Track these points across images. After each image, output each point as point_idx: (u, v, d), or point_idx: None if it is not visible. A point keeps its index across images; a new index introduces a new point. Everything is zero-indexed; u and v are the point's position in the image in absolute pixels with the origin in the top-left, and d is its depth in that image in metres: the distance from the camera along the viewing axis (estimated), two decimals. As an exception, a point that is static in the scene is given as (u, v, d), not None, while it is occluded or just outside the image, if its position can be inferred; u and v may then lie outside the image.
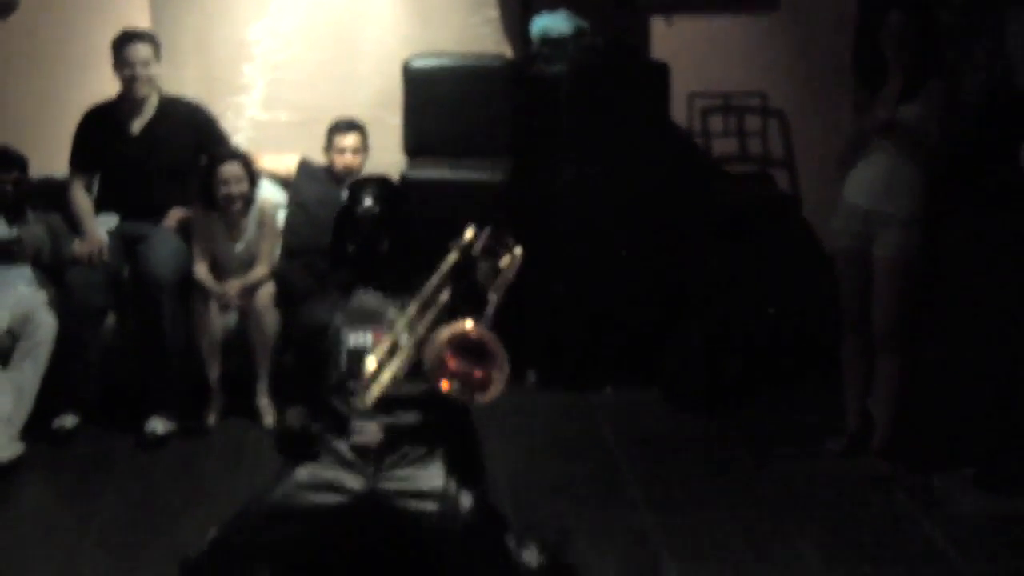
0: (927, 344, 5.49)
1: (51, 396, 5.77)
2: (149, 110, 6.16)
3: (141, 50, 6.06)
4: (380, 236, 4.15)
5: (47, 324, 5.77)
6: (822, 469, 5.45)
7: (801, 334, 6.46)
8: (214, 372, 6.00)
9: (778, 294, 6.59)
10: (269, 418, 5.95)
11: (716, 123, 7.05)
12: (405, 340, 3.81)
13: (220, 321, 5.94)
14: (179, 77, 6.55)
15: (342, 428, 3.92)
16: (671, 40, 6.82)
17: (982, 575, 4.55)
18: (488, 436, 5.56)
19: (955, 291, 5.58)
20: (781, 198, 7.00)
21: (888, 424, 5.35)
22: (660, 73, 6.43)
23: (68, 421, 5.86)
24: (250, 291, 5.95)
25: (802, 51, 6.99)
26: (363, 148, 6.35)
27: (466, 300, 3.84)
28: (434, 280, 3.91)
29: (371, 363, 3.75)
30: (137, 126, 6.14)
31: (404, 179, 6.31)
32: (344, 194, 6.23)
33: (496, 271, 4.01)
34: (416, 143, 6.49)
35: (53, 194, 6.23)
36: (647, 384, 6.36)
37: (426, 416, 3.88)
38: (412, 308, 3.85)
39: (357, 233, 4.16)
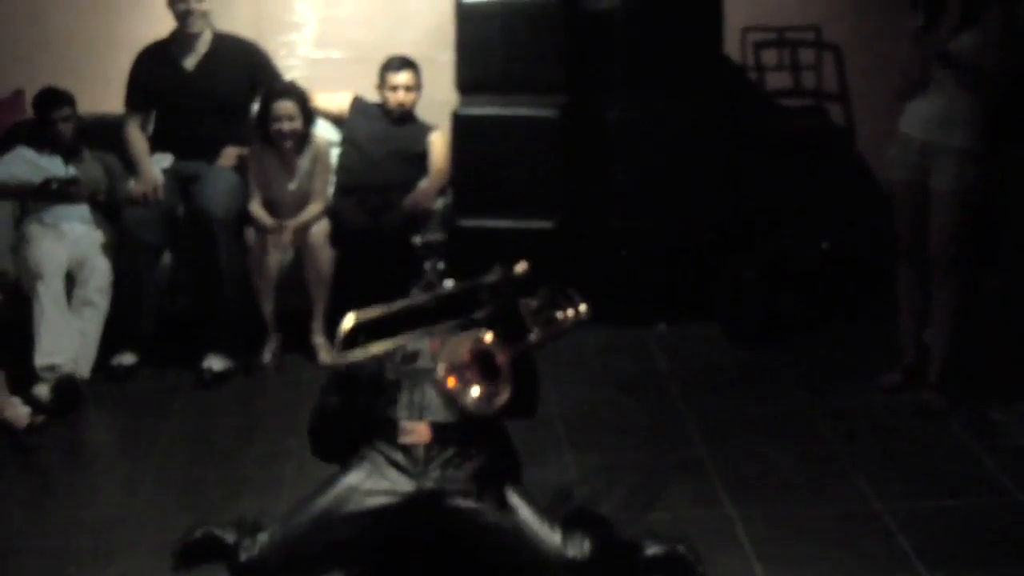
0: (983, 275, 5.46)
1: (109, 334, 5.85)
2: (203, 46, 6.16)
3: (194, -17, 6.07)
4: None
5: (102, 269, 5.84)
6: (877, 402, 5.43)
7: (856, 267, 6.43)
8: (269, 309, 6.04)
9: (832, 227, 6.55)
10: (324, 355, 5.99)
11: (769, 57, 6.99)
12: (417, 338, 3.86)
13: (275, 258, 5.97)
14: (231, 16, 6.55)
15: (390, 432, 3.95)
16: (724, -27, 6.75)
17: (1040, 507, 4.54)
18: (542, 371, 5.60)
19: (1012, 221, 5.53)
20: (835, 131, 6.94)
21: (944, 356, 5.31)
22: (713, 7, 6.37)
23: (127, 359, 5.93)
24: (305, 227, 5.97)
25: (857, -18, 6.93)
26: (416, 86, 6.35)
27: (503, 323, 3.82)
28: (464, 285, 3.91)
29: (349, 320, 3.74)
30: (191, 62, 6.16)
31: (457, 116, 6.30)
32: (398, 132, 6.29)
33: (551, 319, 3.97)
34: (469, 80, 6.46)
35: (108, 133, 6.26)
36: (701, 319, 6.35)
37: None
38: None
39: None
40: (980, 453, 4.93)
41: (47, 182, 5.87)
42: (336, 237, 6.02)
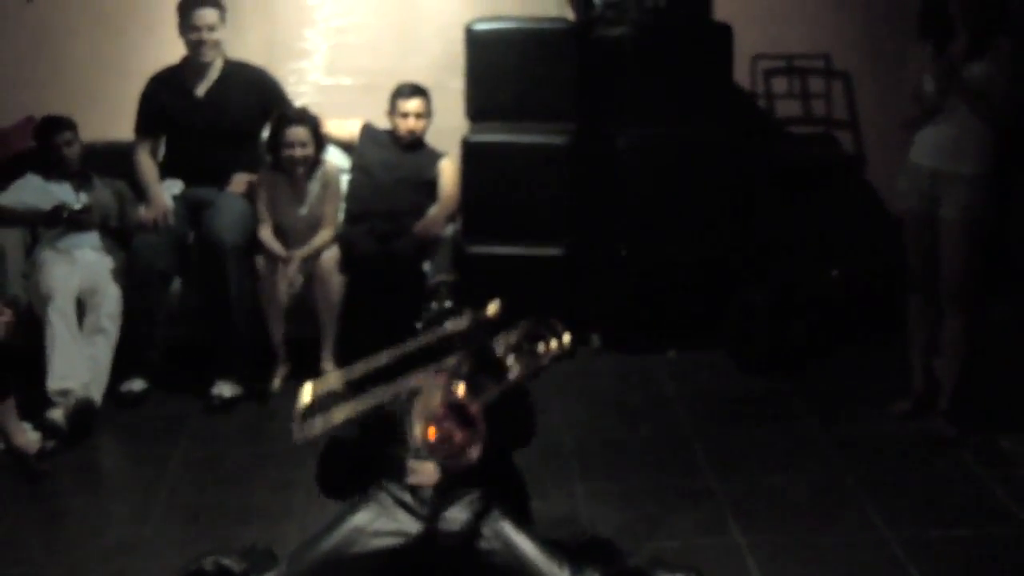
0: (994, 304, 5.45)
1: (119, 360, 5.84)
2: (214, 74, 6.19)
3: (208, 14, 6.08)
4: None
5: (113, 296, 5.84)
6: (887, 431, 5.42)
7: (865, 295, 6.43)
8: (279, 336, 6.04)
9: (842, 255, 6.56)
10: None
11: (779, 84, 7.00)
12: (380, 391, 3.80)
13: (285, 285, 5.97)
14: (242, 42, 6.57)
15: (398, 472, 3.92)
16: (734, 1, 6.76)
17: (1050, 536, 4.52)
18: (553, 399, 5.63)
19: (1023, 250, 5.53)
20: (845, 159, 6.95)
21: (954, 385, 5.31)
22: (723, 34, 6.40)
23: (136, 385, 5.93)
24: (315, 255, 5.98)
25: (866, 11, 6.92)
26: (426, 112, 6.36)
27: (477, 368, 3.80)
28: (432, 336, 3.88)
29: (306, 393, 3.73)
30: (202, 90, 6.18)
31: (467, 143, 6.32)
32: (408, 159, 6.29)
33: (532, 352, 3.95)
34: (479, 107, 6.49)
35: (118, 159, 6.28)
36: (711, 346, 6.35)
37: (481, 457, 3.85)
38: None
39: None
40: (990, 482, 4.91)
41: (58, 209, 5.89)
42: (346, 264, 6.03)
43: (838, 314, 6.38)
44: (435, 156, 6.41)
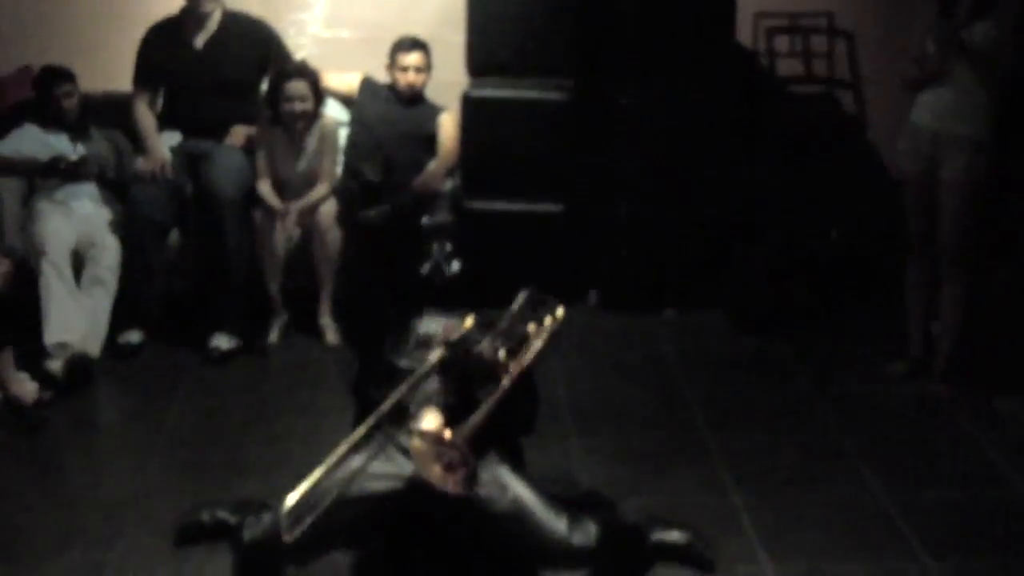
0: (992, 267, 5.45)
1: (116, 312, 5.84)
2: (212, 25, 6.15)
3: (206, -35, 6.05)
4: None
5: (111, 248, 5.84)
6: (884, 392, 5.44)
7: (864, 257, 6.42)
8: (276, 289, 6.04)
9: (841, 217, 6.55)
10: (331, 336, 6.00)
11: (782, 43, 6.96)
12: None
13: (283, 238, 5.96)
14: (242, -6, 6.54)
15: (400, 417, 3.90)
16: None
17: (1045, 498, 4.54)
18: (550, 356, 5.60)
19: (1022, 213, 5.53)
20: (846, 120, 6.92)
21: (950, 347, 5.32)
22: (726, -8, 6.36)
23: (133, 337, 5.92)
24: (312, 209, 5.97)
25: (870, -30, 6.90)
26: (426, 67, 6.32)
27: (471, 380, 3.82)
28: (407, 387, 3.86)
29: (290, 501, 3.64)
30: (200, 41, 6.14)
31: (467, 98, 6.30)
32: (407, 113, 6.27)
33: (523, 339, 3.95)
34: (479, 62, 6.45)
35: (116, 110, 6.26)
36: (709, 306, 6.35)
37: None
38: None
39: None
40: (985, 444, 4.93)
41: (55, 161, 5.87)
42: (343, 218, 6.02)
43: (837, 275, 6.38)
44: (435, 111, 6.38)
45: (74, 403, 5.40)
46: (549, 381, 5.26)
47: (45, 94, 6.01)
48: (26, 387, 5.26)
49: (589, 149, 6.37)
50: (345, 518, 3.89)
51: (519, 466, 4.00)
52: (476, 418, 3.62)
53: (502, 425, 3.75)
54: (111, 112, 6.28)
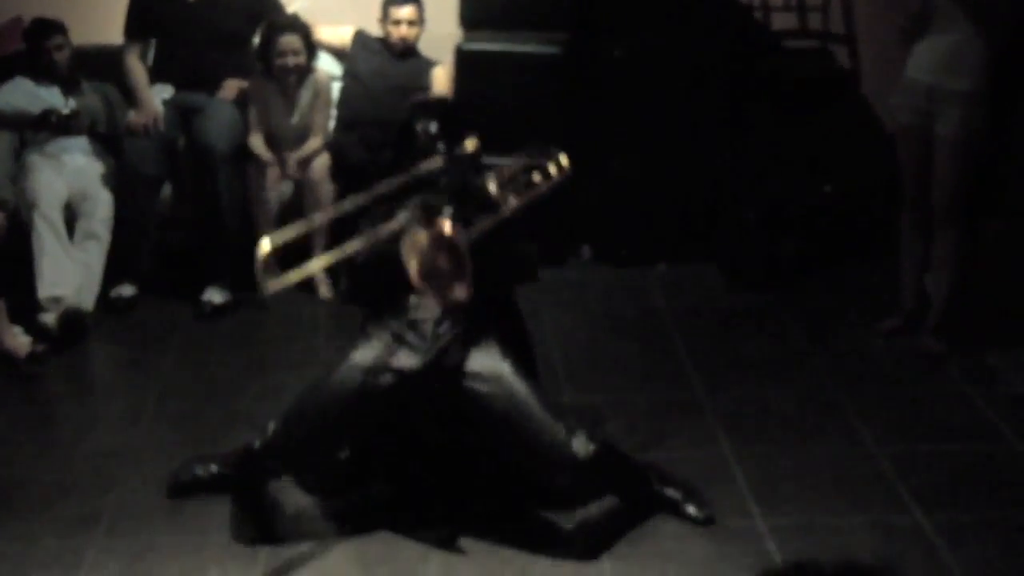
0: (986, 221, 5.45)
1: (109, 266, 5.84)
2: (205, -24, 6.12)
3: (198, -83, 6.01)
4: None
5: (104, 201, 5.83)
6: (876, 346, 5.44)
7: (858, 211, 6.42)
8: (269, 243, 6.02)
9: (835, 171, 6.54)
10: (324, 289, 5.99)
11: (776, -3, 6.94)
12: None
13: (275, 192, 5.96)
14: (234, -54, 6.49)
15: (400, 307, 3.91)
16: (731, -89, 6.69)
17: (1037, 454, 4.56)
18: (542, 310, 5.64)
19: (1017, 169, 5.52)
20: (840, 74, 6.90)
21: (944, 302, 5.31)
22: (720, -55, 6.34)
23: (126, 290, 5.93)
24: (305, 162, 5.96)
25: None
26: (419, 20, 6.29)
27: (468, 203, 3.75)
28: (403, 178, 3.79)
29: (265, 245, 3.48)
30: (192, -8, 6.12)
31: (460, 51, 6.27)
32: (400, 67, 6.24)
33: (528, 183, 3.91)
34: (472, 15, 6.42)
35: (107, 63, 6.22)
36: (702, 260, 6.35)
37: (480, 296, 3.82)
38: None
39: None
40: (977, 399, 4.94)
41: (46, 114, 5.84)
42: (337, 171, 6.01)
43: (830, 230, 6.37)
44: (428, 64, 6.35)
45: (68, 356, 5.42)
46: (541, 334, 5.26)
47: (36, 46, 5.97)
48: (20, 340, 5.27)
49: (582, 103, 6.35)
50: (349, 415, 3.90)
51: (531, 377, 3.98)
52: (476, 229, 3.59)
53: (500, 273, 3.72)
54: (103, 65, 6.23)
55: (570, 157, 5.87)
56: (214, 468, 4.23)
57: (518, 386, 3.84)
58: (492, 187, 3.76)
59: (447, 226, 3.48)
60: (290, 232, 3.57)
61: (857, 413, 4.82)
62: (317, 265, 3.83)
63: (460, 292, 3.54)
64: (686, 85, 6.26)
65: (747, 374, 5.22)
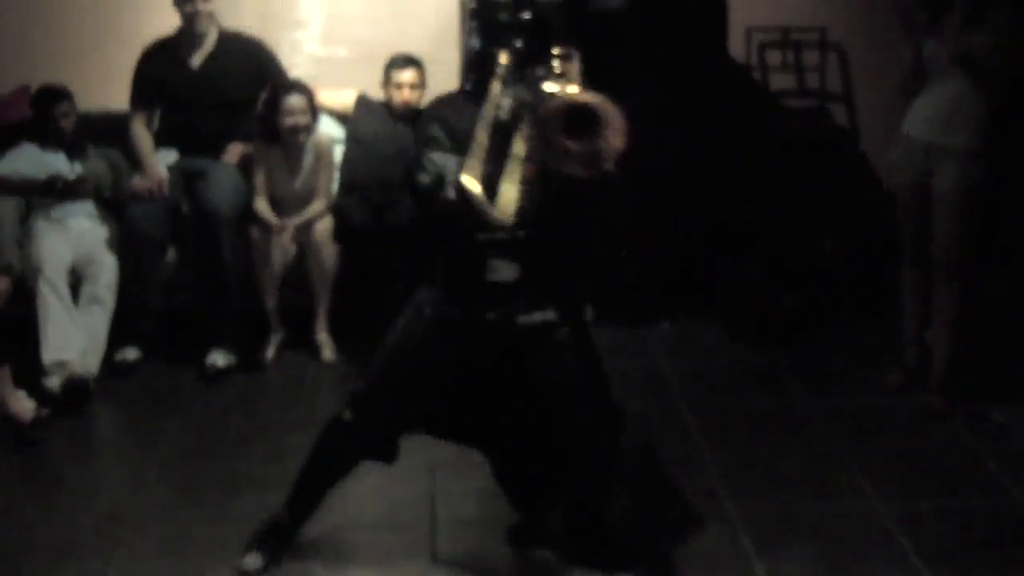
0: (987, 277, 5.46)
1: (113, 329, 5.85)
2: (209, 44, 6.18)
3: (202, -15, 6.08)
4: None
5: (109, 266, 5.85)
6: (880, 403, 5.44)
7: (858, 268, 6.44)
8: (272, 306, 6.05)
9: (835, 227, 6.56)
10: (327, 352, 6.01)
11: (774, 57, 7.00)
12: (514, 147, 3.68)
13: (279, 255, 5.99)
14: (237, 13, 6.55)
15: (478, 266, 3.81)
16: (729, -27, 6.76)
17: (1042, 508, 4.54)
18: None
19: (1016, 223, 5.54)
20: (838, 132, 6.95)
21: (946, 357, 5.32)
22: (718, 7, 6.39)
23: (130, 354, 5.94)
24: (308, 225, 5.99)
25: (862, -15, 6.93)
26: (421, 84, 6.33)
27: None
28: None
29: (473, 185, 3.54)
30: (197, 60, 6.17)
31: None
32: (401, 129, 6.28)
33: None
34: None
35: (113, 129, 6.27)
36: (704, 318, 6.36)
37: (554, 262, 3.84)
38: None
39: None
40: (981, 454, 4.93)
41: (52, 180, 5.88)
42: (340, 234, 6.04)
43: (831, 286, 6.39)
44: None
45: (71, 420, 5.41)
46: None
47: (43, 113, 6.02)
48: (24, 405, 5.26)
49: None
50: (426, 367, 3.92)
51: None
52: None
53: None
54: (108, 130, 6.29)
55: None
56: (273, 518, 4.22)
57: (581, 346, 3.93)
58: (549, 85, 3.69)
59: (571, 89, 3.52)
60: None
61: (860, 469, 4.81)
62: (510, 188, 3.67)
63: (617, 139, 3.51)
64: (687, 145, 6.29)
65: (750, 431, 5.22)
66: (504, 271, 3.79)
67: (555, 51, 3.75)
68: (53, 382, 5.48)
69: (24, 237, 5.87)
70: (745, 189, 6.47)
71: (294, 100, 5.96)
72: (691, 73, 6.28)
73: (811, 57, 6.99)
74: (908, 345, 5.52)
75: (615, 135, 3.49)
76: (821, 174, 6.68)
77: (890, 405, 5.41)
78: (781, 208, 6.54)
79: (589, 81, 3.71)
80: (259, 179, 6.05)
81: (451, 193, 3.64)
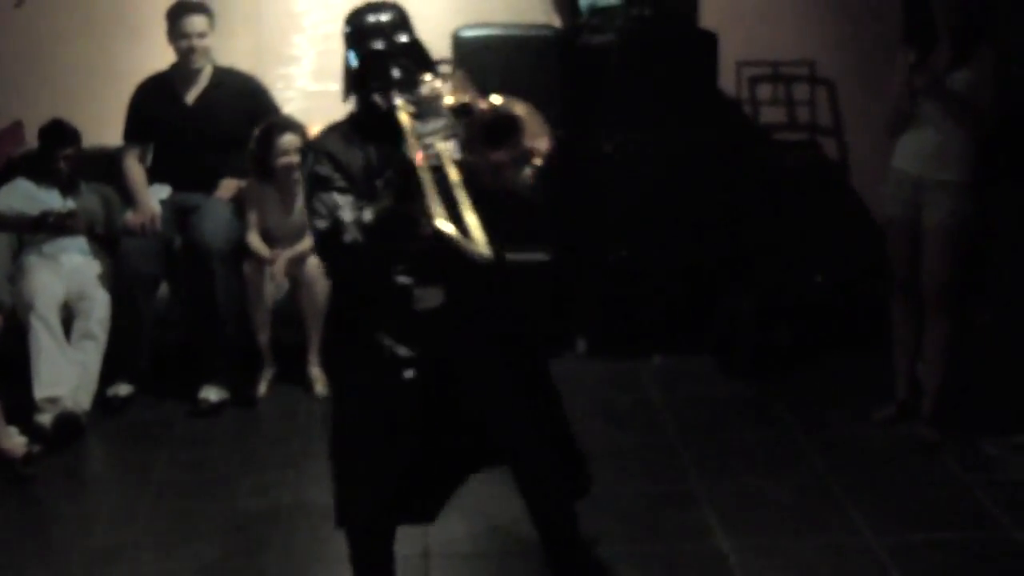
0: (977, 309, 5.48)
1: (106, 365, 5.85)
2: (203, 80, 6.20)
3: (197, 21, 6.11)
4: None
5: (101, 301, 5.85)
6: (871, 436, 5.45)
7: (849, 301, 6.46)
8: (265, 341, 6.06)
9: (826, 261, 6.59)
10: (320, 387, 6.01)
11: (764, 91, 7.01)
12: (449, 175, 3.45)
13: (272, 289, 6.00)
14: (230, 48, 6.57)
15: (403, 299, 3.65)
16: (719, 8, 6.79)
17: (1034, 541, 4.54)
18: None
19: (1005, 256, 5.56)
20: (829, 165, 6.98)
21: (937, 390, 5.33)
22: (708, 42, 6.42)
23: (123, 389, 5.94)
24: (300, 260, 6.00)
25: (851, 19, 6.94)
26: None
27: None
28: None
29: (447, 227, 3.28)
30: (191, 96, 6.20)
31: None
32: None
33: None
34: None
35: (106, 165, 6.28)
36: (696, 351, 6.37)
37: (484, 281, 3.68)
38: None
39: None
40: (973, 486, 4.94)
41: (44, 215, 5.89)
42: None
43: (822, 319, 6.41)
44: (422, 165, 6.39)
45: (63, 456, 5.41)
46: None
47: (47, 151, 6.04)
48: (15, 441, 5.26)
49: (575, 198, 6.41)
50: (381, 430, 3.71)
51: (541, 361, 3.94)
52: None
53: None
54: (101, 166, 6.30)
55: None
56: None
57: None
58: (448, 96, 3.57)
59: (489, 101, 3.41)
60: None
61: (853, 502, 4.81)
62: (471, 216, 3.40)
63: (540, 140, 3.45)
64: (677, 179, 6.32)
65: (742, 465, 5.22)
66: (430, 298, 3.67)
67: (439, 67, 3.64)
68: (45, 418, 5.47)
69: (16, 273, 5.88)
70: (736, 222, 6.49)
71: (288, 139, 5.98)
72: (682, 107, 6.30)
73: (801, 91, 7.02)
74: (899, 377, 5.53)
75: (538, 135, 3.45)
76: (811, 207, 6.72)
77: (882, 437, 5.42)
78: (772, 241, 6.56)
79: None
80: (252, 215, 6.06)
81: (350, 237, 3.48)
